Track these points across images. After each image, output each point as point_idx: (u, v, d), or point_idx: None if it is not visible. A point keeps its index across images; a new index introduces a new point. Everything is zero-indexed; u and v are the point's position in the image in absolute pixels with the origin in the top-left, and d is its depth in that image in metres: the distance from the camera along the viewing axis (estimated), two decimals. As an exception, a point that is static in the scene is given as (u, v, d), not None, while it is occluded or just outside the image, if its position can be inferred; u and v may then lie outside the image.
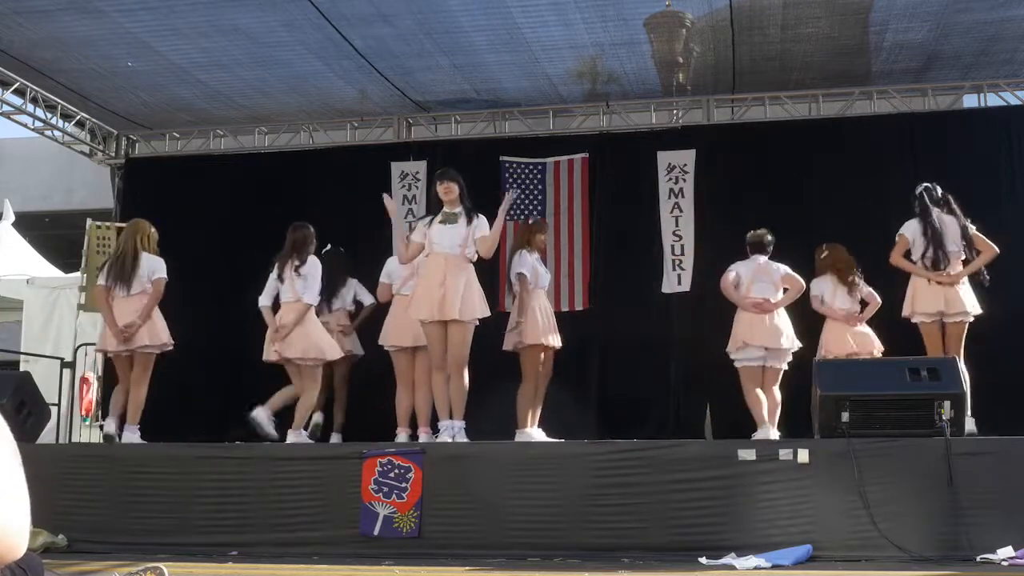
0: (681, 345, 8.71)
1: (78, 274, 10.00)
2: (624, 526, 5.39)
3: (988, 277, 6.68)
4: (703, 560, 5.08)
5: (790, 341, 6.89)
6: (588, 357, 8.80)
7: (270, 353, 6.74)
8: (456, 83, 8.89)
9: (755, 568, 4.84)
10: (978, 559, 4.93)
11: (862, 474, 5.17)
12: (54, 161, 13.83)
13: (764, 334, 6.82)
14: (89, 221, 9.77)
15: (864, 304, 7.25)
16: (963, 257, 6.61)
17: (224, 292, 9.10)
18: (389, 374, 7.12)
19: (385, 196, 6.60)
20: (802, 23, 7.75)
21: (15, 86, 8.88)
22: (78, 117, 9.70)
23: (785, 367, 6.93)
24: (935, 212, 6.67)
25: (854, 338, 7.06)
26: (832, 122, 8.95)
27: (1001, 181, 8.54)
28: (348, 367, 7.88)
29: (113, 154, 10.27)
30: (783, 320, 6.92)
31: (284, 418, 6.72)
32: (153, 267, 6.82)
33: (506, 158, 9.31)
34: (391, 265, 7.21)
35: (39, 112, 9.33)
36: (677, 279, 8.87)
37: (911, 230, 6.70)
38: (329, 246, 7.73)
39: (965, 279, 6.60)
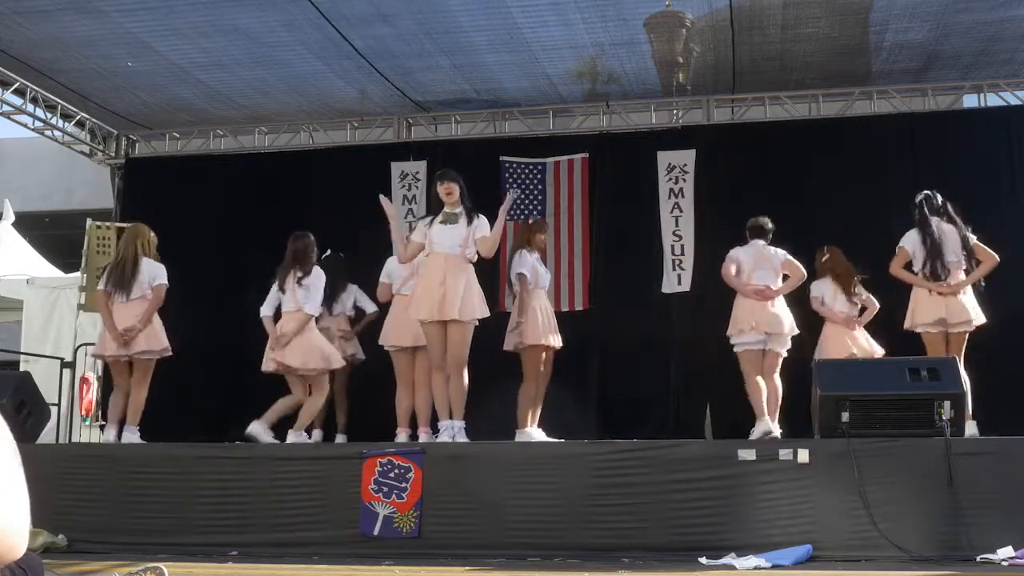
0: (681, 345, 8.71)
1: (78, 274, 10.00)
2: (624, 526, 5.39)
3: (984, 283, 6.67)
4: (703, 560, 5.08)
5: (790, 326, 6.91)
6: (588, 357, 8.80)
7: (268, 363, 6.76)
8: (456, 83, 8.89)
9: (755, 568, 4.84)
10: (978, 559, 4.93)
11: (862, 474, 5.17)
12: (54, 161, 13.84)
13: (765, 319, 6.81)
14: (89, 221, 9.77)
15: (863, 309, 7.26)
16: (964, 267, 6.58)
17: (224, 293, 9.11)
18: (389, 374, 7.12)
19: (382, 197, 6.57)
20: (802, 23, 7.75)
21: (15, 86, 8.89)
22: (78, 117, 9.70)
23: (785, 353, 6.92)
24: (935, 222, 6.64)
25: (853, 342, 7.08)
26: (832, 122, 8.95)
27: (1001, 181, 8.54)
28: (349, 372, 7.90)
29: (113, 154, 10.27)
30: (782, 307, 6.93)
31: (282, 425, 6.72)
32: (154, 273, 6.82)
33: (506, 158, 9.31)
34: (391, 265, 7.21)
35: (39, 112, 9.34)
36: (677, 279, 8.87)
37: (911, 241, 6.66)
38: (328, 251, 7.72)
39: (968, 288, 6.59)
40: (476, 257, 6.30)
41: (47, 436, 7.94)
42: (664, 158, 9.06)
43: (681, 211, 8.97)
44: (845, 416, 5.39)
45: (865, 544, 5.09)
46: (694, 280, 8.77)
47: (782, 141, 8.90)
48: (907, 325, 6.64)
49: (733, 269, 6.95)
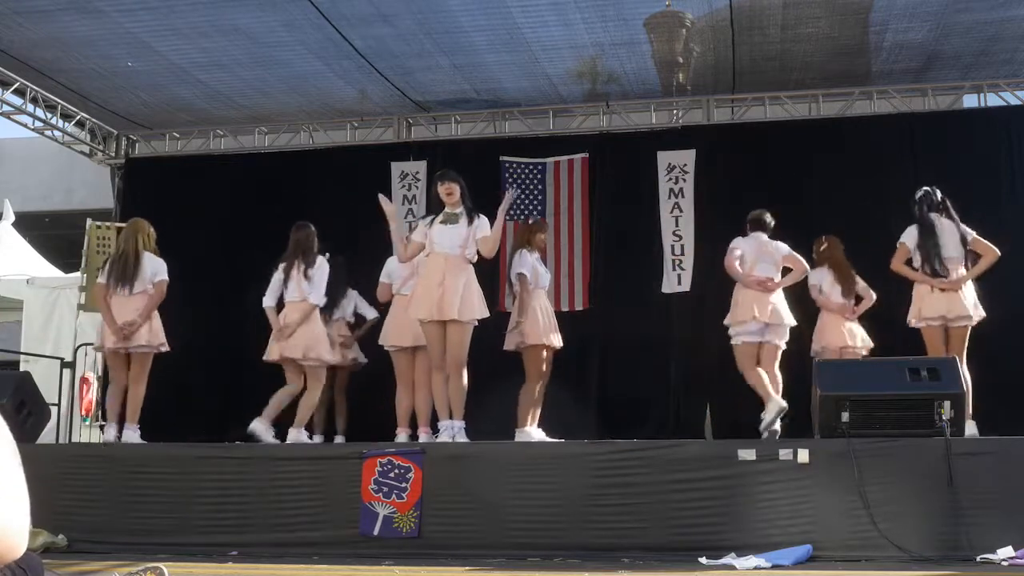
0: (681, 345, 8.72)
1: (78, 274, 10.01)
2: (624, 526, 5.39)
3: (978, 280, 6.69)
4: (703, 560, 5.07)
5: (789, 318, 6.92)
6: (588, 357, 8.80)
7: (272, 352, 6.74)
8: (456, 83, 8.89)
9: (755, 568, 4.84)
10: (978, 559, 4.92)
11: (862, 474, 5.16)
12: (54, 161, 13.84)
13: (766, 310, 6.81)
14: (89, 221, 9.78)
15: (859, 299, 7.34)
16: (963, 262, 6.59)
17: (224, 292, 9.11)
18: (389, 374, 7.12)
19: (382, 197, 6.55)
20: (802, 23, 7.75)
21: (15, 86, 8.89)
22: (78, 117, 9.70)
23: (784, 345, 6.92)
24: (934, 218, 6.65)
25: (849, 333, 7.20)
26: (832, 122, 8.95)
27: (1001, 181, 8.54)
28: (348, 376, 7.88)
29: (113, 154, 10.27)
30: (781, 300, 6.95)
31: (283, 422, 6.72)
32: (156, 268, 6.83)
33: (506, 158, 9.31)
34: (391, 265, 7.20)
35: (39, 112, 9.34)
36: (677, 279, 8.88)
37: (911, 238, 6.67)
38: (328, 255, 7.70)
39: (969, 283, 6.59)
40: (476, 257, 6.30)
41: (47, 436, 7.94)
42: (664, 158, 9.07)
43: (681, 211, 8.98)
44: (845, 416, 5.38)
45: (865, 544, 5.09)
46: (694, 280, 8.78)
47: (782, 141, 8.91)
48: (912, 322, 6.64)
49: (737, 260, 6.94)
